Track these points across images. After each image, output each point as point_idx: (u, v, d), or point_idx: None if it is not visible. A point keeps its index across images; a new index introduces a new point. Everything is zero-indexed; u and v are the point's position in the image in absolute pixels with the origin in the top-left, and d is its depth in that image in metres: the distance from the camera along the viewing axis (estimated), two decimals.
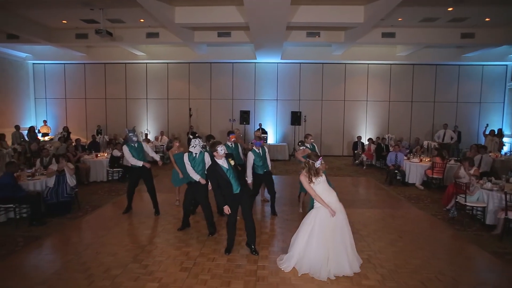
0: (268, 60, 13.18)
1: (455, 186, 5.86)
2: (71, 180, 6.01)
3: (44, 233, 5.01)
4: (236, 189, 4.23)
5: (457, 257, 4.40)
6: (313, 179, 3.80)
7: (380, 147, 10.90)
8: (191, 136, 5.22)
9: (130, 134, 5.86)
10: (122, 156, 8.56)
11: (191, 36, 10.63)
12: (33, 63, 14.11)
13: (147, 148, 6.06)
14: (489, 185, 5.63)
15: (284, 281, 3.66)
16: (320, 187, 3.81)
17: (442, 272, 3.92)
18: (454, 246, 4.84)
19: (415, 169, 8.49)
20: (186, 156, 4.86)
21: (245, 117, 12.74)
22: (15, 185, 5.31)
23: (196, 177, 4.81)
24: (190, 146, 4.86)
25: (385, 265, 4.06)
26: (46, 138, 12.74)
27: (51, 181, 5.85)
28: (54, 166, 6.02)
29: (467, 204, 5.52)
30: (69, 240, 4.81)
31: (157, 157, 6.19)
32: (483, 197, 5.55)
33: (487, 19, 9.17)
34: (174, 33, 10.22)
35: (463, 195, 5.59)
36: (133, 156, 5.71)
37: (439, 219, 5.91)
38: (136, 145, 5.82)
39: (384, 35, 10.45)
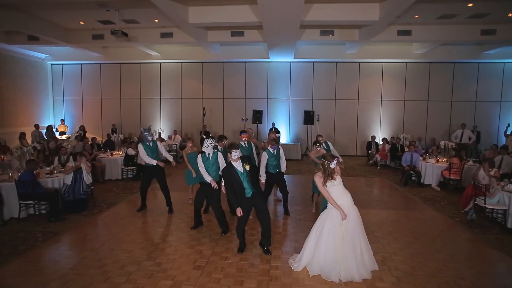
0: (281, 59, 13.12)
1: (474, 188, 5.69)
2: (87, 178, 6.14)
3: (61, 229, 5.14)
4: (248, 192, 4.24)
5: (476, 261, 4.26)
6: (328, 180, 3.74)
7: (395, 147, 10.70)
8: (204, 136, 5.26)
9: (145, 134, 5.94)
10: (137, 154, 8.69)
11: (204, 35, 10.69)
12: (52, 64, 14.51)
13: (161, 148, 6.14)
14: (511, 187, 5.43)
15: (297, 282, 3.64)
16: (335, 189, 3.75)
17: (460, 276, 3.81)
18: (473, 249, 4.70)
19: (431, 169, 8.29)
20: (199, 157, 4.89)
21: (257, 116, 12.73)
22: (35, 182, 5.47)
23: (208, 178, 4.83)
24: (203, 146, 4.89)
25: (400, 268, 3.97)
26: (64, 137, 13.07)
27: (68, 179, 5.99)
28: (71, 164, 6.16)
29: (487, 206, 5.35)
30: (85, 236, 4.92)
31: (170, 157, 6.24)
32: (504, 200, 5.36)
33: (510, 15, 8.83)
34: (187, 33, 10.30)
35: (483, 197, 5.41)
36: (148, 155, 5.80)
37: (457, 221, 5.75)
38: (151, 144, 5.91)
39: (400, 32, 10.22)
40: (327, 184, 3.74)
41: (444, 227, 5.53)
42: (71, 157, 6.67)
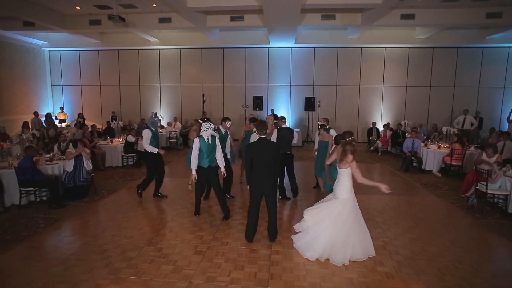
0: (282, 44, 12.90)
1: (475, 173, 5.66)
2: (87, 165, 6.12)
3: (62, 215, 5.15)
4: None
5: (476, 246, 4.27)
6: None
7: (396, 134, 10.63)
8: (204, 120, 5.24)
9: (156, 119, 5.95)
10: (137, 141, 8.65)
11: (203, 20, 10.47)
12: (49, 51, 14.30)
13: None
14: None
15: (297, 266, 3.65)
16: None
17: (460, 260, 3.82)
18: (474, 234, 4.71)
19: (433, 155, 8.26)
20: (197, 140, 4.80)
21: (258, 103, 12.64)
22: (35, 168, 5.45)
23: (193, 165, 4.77)
24: (202, 130, 4.83)
25: (401, 252, 3.98)
26: (63, 125, 13.01)
27: (69, 166, 5.96)
28: (71, 150, 6.12)
29: (488, 191, 5.32)
30: (86, 223, 4.93)
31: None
32: (506, 185, 5.34)
33: None
34: (186, 17, 10.10)
35: (484, 183, 5.39)
36: (151, 142, 5.73)
37: (458, 207, 5.75)
38: (154, 130, 5.89)
39: (403, 16, 9.99)
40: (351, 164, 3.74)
41: (445, 212, 5.54)
42: (70, 144, 6.63)
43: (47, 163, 6.15)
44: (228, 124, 5.76)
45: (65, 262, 3.70)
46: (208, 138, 4.81)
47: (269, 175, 4.07)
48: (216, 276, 3.44)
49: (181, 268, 3.59)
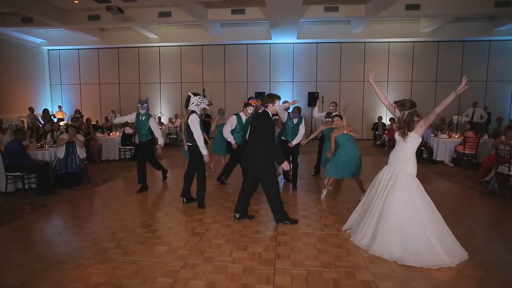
0: (284, 40, 12.63)
1: (496, 156, 5.27)
2: (80, 152, 5.78)
3: (51, 202, 4.77)
4: None
5: (503, 227, 3.86)
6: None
7: None
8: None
9: (138, 105, 5.22)
10: (134, 133, 8.32)
11: (204, 14, 10.24)
12: (48, 49, 14.11)
13: (154, 126, 5.24)
14: None
15: (308, 246, 3.25)
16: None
17: (491, 240, 3.41)
18: (499, 217, 4.29)
19: (444, 145, 7.87)
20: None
21: (260, 98, 12.29)
22: (23, 152, 5.10)
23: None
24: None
25: None
26: (61, 123, 12.69)
27: (61, 152, 5.61)
28: (63, 136, 5.78)
29: (511, 173, 4.91)
30: (76, 207, 4.54)
31: (160, 139, 5.38)
32: None
33: None
34: (186, 11, 9.87)
35: (506, 165, 4.99)
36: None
37: (477, 192, 5.33)
38: (142, 118, 5.20)
39: (408, 7, 9.68)
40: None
41: (464, 197, 5.15)
42: (64, 132, 6.29)
43: (37, 149, 5.79)
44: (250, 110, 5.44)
45: (47, 243, 3.32)
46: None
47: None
48: (215, 256, 3.05)
49: (176, 248, 3.20)
